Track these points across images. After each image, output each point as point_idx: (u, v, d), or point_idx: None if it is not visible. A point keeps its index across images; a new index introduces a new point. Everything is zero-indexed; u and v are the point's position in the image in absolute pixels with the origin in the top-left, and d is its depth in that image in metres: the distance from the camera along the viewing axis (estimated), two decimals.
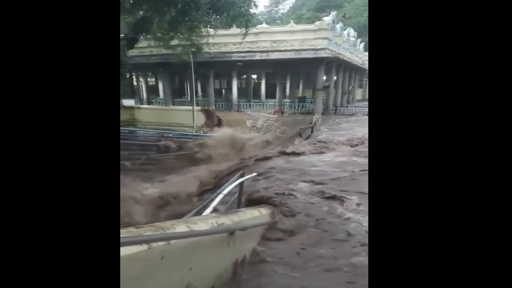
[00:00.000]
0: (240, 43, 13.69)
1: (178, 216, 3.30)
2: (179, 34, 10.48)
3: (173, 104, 19.44)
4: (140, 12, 10.10)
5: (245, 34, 11.53)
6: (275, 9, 53.82)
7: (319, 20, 16.00)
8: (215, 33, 13.05)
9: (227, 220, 2.36)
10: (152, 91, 24.21)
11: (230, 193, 3.09)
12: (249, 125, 14.20)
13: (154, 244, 1.33)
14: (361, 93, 28.36)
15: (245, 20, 10.84)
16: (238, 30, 12.82)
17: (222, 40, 15.83)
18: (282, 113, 17.42)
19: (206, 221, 2.08)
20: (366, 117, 15.89)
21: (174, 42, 11.89)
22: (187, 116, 13.18)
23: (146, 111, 14.93)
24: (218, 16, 10.71)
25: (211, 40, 13.18)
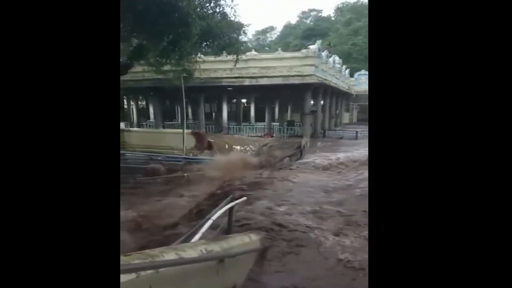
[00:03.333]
0: (231, 69, 14.06)
1: None
2: (172, 61, 10.78)
3: (164, 127, 19.38)
4: (135, 40, 10.38)
5: (236, 62, 11.92)
6: (263, 37, 55.85)
7: (305, 48, 16.65)
8: (203, 60, 13.40)
9: (216, 247, 2.33)
10: (143, 114, 24.23)
11: None
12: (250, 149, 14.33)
13: (142, 273, 1.31)
14: (348, 116, 29.05)
15: (235, 49, 11.25)
16: (228, 57, 13.25)
17: (213, 66, 16.19)
18: (272, 136, 17.60)
19: (195, 248, 2.06)
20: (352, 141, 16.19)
21: (166, 67, 12.14)
22: (177, 139, 13.13)
23: (136, 134, 14.82)
24: (209, 44, 11.07)
25: (202, 66, 13.50)
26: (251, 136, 17.65)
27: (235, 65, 12.38)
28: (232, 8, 10.57)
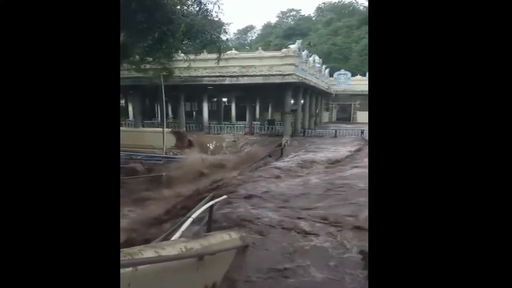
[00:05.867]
0: (212, 68, 13.99)
1: None
2: (156, 59, 10.59)
3: (143, 126, 19.02)
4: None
5: (218, 60, 11.86)
6: (244, 36, 55.85)
7: (285, 48, 16.82)
8: (195, 57, 13.23)
9: (196, 245, 2.37)
10: (122, 113, 23.62)
11: None
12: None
13: (121, 270, 1.33)
14: (328, 116, 29.61)
15: (217, 47, 11.20)
16: (208, 56, 13.14)
17: (193, 65, 16.00)
18: (252, 134, 17.70)
19: (174, 246, 2.09)
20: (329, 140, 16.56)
21: (146, 65, 11.92)
22: (157, 137, 12.96)
23: None
24: (190, 42, 10.95)
25: (182, 65, 13.36)
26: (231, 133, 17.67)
27: (217, 63, 12.33)
28: (215, 4, 10.47)
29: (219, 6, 10.40)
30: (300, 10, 53.61)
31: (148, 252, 1.68)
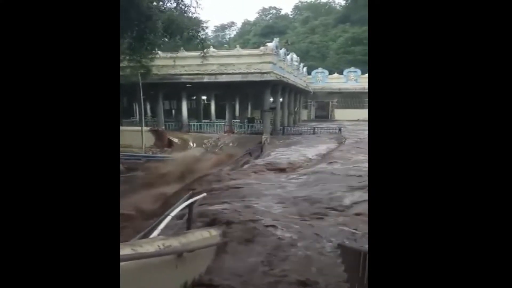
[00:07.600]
0: (191, 65, 13.74)
1: None
2: (137, 57, 10.34)
3: (121, 125, 18.53)
4: None
5: (204, 56, 11.73)
6: (222, 33, 55.48)
7: (263, 46, 16.91)
8: (172, 55, 13.00)
9: (175, 242, 2.38)
10: None
11: None
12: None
13: None
14: (306, 113, 30.00)
15: (200, 43, 11.06)
16: (186, 53, 12.92)
17: (170, 63, 15.75)
18: (233, 133, 17.70)
19: (152, 243, 2.10)
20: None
21: (123, 63, 11.62)
22: (135, 136, 12.70)
23: None
24: (168, 40, 10.76)
25: (159, 62, 13.10)
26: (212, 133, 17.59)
27: (203, 61, 12.17)
28: None
29: (196, 1, 10.24)
30: (281, 9, 53.95)
31: (125, 250, 1.69)
